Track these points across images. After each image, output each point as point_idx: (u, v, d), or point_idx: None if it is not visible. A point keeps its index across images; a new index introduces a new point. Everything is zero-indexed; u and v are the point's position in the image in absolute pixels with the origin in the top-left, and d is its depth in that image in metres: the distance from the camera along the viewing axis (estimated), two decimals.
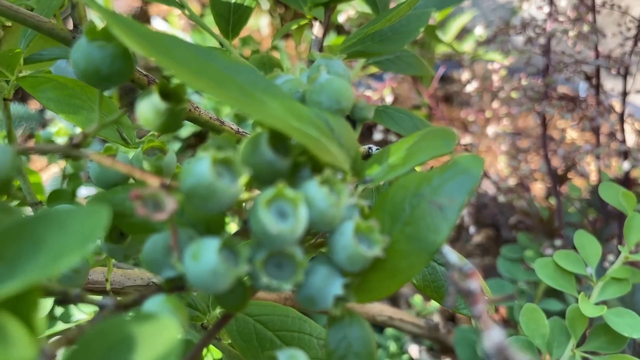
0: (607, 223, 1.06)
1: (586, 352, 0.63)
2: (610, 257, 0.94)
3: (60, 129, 0.93)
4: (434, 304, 1.17)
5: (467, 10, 1.72)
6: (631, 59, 0.96)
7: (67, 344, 0.26)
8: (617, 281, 0.65)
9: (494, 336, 0.21)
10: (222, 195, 0.27)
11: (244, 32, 0.88)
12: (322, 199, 0.28)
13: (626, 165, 0.99)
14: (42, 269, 0.21)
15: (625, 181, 1.00)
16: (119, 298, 0.30)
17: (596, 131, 1.03)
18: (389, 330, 1.16)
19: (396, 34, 0.62)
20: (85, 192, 1.07)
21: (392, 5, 0.65)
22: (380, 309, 0.94)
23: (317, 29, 0.68)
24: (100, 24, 0.32)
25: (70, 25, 0.47)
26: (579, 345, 0.63)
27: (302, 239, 0.30)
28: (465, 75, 1.37)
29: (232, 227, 0.93)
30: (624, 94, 0.99)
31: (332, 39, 1.64)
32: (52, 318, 0.79)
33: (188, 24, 2.04)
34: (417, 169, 0.38)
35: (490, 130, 1.25)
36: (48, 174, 1.43)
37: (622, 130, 1.01)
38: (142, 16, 2.24)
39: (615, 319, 0.61)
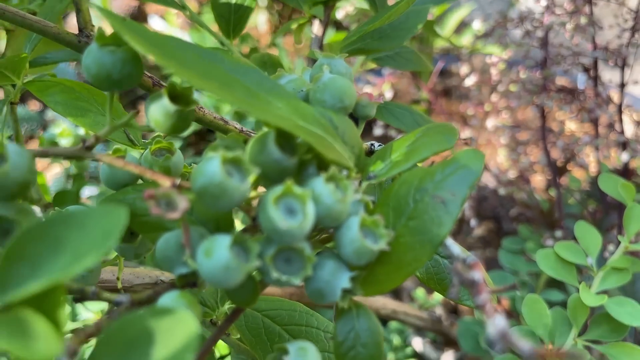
0: (606, 213, 1.07)
1: (588, 341, 0.64)
2: (611, 247, 0.95)
3: (64, 130, 0.94)
4: (436, 297, 1.18)
5: (464, 4, 1.72)
6: (628, 50, 0.97)
7: (87, 339, 0.27)
8: (618, 271, 0.66)
9: (497, 323, 0.22)
10: (233, 194, 0.28)
11: None
12: (328, 196, 0.29)
13: (625, 156, 1.00)
14: (64, 269, 0.22)
15: (625, 172, 1.01)
16: (133, 295, 0.31)
17: (595, 123, 1.04)
18: (393, 324, 1.17)
19: (395, 30, 0.62)
20: (88, 192, 1.08)
21: (389, 1, 0.66)
22: (384, 303, 0.95)
23: (317, 27, 0.69)
24: (108, 28, 0.33)
25: (69, 27, 0.48)
26: (580, 334, 0.64)
27: (310, 235, 0.31)
28: (464, 69, 1.38)
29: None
30: (622, 85, 1.00)
31: (331, 35, 1.65)
32: None
33: (186, 23, 2.04)
34: (419, 164, 0.39)
35: (490, 123, 1.26)
36: (50, 174, 1.44)
37: (621, 121, 1.01)
38: (140, 15, 2.24)
39: (616, 307, 0.62)
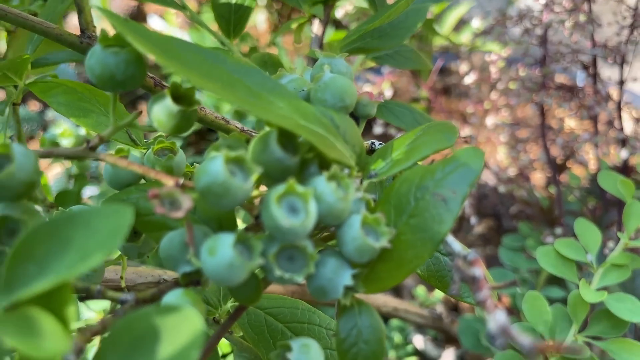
0: (606, 210, 1.07)
1: (588, 337, 0.64)
2: (610, 244, 0.96)
3: (65, 130, 0.95)
4: (437, 295, 1.19)
5: (463, 2, 1.72)
6: (627, 48, 0.97)
7: (93, 337, 0.27)
8: (617, 267, 0.66)
9: (498, 318, 0.22)
10: (236, 192, 0.28)
11: None
12: (330, 194, 0.30)
13: (624, 153, 1.00)
14: (71, 268, 0.23)
15: (624, 169, 1.02)
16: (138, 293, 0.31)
17: (594, 120, 1.04)
18: (394, 322, 1.17)
19: (395, 29, 0.63)
20: (89, 192, 1.08)
21: (389, 0, 0.66)
22: (385, 301, 0.96)
23: (316, 26, 0.69)
24: (109, 28, 0.33)
25: (68, 27, 0.48)
26: (581, 330, 0.65)
27: (312, 233, 0.31)
28: (463, 67, 1.38)
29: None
30: (621, 82, 1.00)
31: (330, 34, 1.65)
32: None
33: (185, 22, 2.04)
34: (420, 162, 0.39)
35: (489, 121, 1.26)
36: (51, 174, 1.45)
37: (620, 118, 1.02)
38: (139, 15, 2.24)
39: (616, 304, 0.62)
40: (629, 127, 1.13)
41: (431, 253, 0.31)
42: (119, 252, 0.44)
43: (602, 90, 1.02)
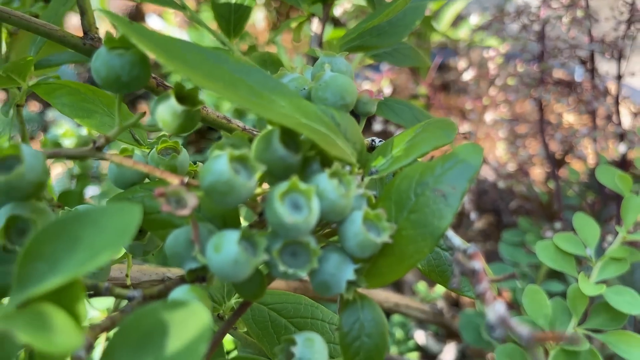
0: (605, 205, 1.08)
1: (588, 330, 0.65)
2: (609, 238, 0.96)
3: (67, 130, 0.95)
4: (437, 291, 1.19)
5: None
6: (624, 42, 0.97)
7: (102, 333, 0.28)
8: (616, 261, 0.67)
9: (497, 309, 0.23)
10: (240, 190, 0.29)
11: None
12: (332, 191, 0.30)
13: (622, 147, 1.01)
14: (81, 265, 0.23)
15: (622, 163, 1.02)
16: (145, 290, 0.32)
17: (592, 115, 1.04)
18: (395, 317, 1.18)
19: (393, 27, 0.63)
20: (90, 192, 1.09)
21: None
22: (386, 296, 0.96)
23: (315, 25, 0.70)
24: (110, 29, 0.34)
25: (67, 27, 0.49)
26: (580, 323, 0.66)
27: (315, 229, 0.32)
28: (461, 63, 1.38)
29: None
30: (619, 77, 1.01)
31: (329, 32, 1.65)
32: None
33: (184, 21, 2.04)
34: (419, 159, 0.40)
35: (488, 117, 1.27)
36: (53, 174, 1.45)
37: (618, 112, 1.02)
38: (138, 14, 2.24)
39: (615, 296, 0.63)
40: (627, 121, 1.14)
41: (432, 248, 0.32)
42: (124, 251, 0.45)
43: (600, 85, 1.03)
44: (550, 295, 0.69)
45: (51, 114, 1.71)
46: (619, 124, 1.02)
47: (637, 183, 0.74)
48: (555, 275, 1.03)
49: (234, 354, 0.76)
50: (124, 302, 0.56)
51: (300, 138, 0.33)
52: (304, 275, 0.31)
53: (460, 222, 1.47)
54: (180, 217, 0.28)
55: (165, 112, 0.31)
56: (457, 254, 0.28)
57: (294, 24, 0.71)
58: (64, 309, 0.24)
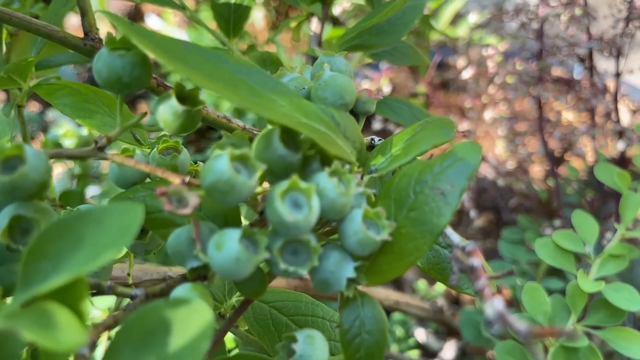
0: (604, 202, 1.08)
1: (587, 326, 0.65)
2: (609, 235, 0.97)
3: (68, 130, 0.95)
4: (438, 289, 1.20)
5: None
6: (623, 40, 0.98)
7: (105, 331, 0.28)
8: (615, 258, 0.67)
9: (495, 305, 0.23)
10: (241, 189, 0.29)
11: None
12: (332, 189, 0.31)
13: (621, 144, 1.01)
14: (85, 264, 0.24)
15: (621, 160, 1.03)
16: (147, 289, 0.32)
17: (591, 112, 1.05)
18: (396, 316, 1.18)
19: (392, 26, 0.64)
20: (91, 191, 1.09)
21: None
22: (386, 294, 0.97)
23: (315, 24, 0.70)
24: (110, 29, 0.34)
25: (66, 28, 0.49)
26: (579, 320, 0.66)
27: (315, 227, 0.32)
28: (460, 61, 1.39)
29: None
30: (617, 74, 1.01)
31: (328, 31, 1.65)
32: None
33: (183, 21, 2.05)
34: (419, 157, 0.40)
35: (488, 115, 1.27)
36: (54, 174, 1.45)
37: (616, 110, 1.03)
38: (137, 14, 2.24)
39: (614, 293, 0.63)
40: (626, 119, 1.14)
41: (431, 245, 0.32)
42: (126, 250, 0.45)
43: (599, 82, 1.03)
44: (550, 292, 0.69)
45: (51, 114, 1.72)
46: (618, 121, 1.02)
47: (635, 180, 0.74)
48: (554, 272, 1.03)
49: (236, 352, 0.77)
50: (125, 302, 0.56)
51: (300, 137, 0.33)
52: (304, 273, 0.31)
53: (460, 220, 1.47)
54: (181, 216, 0.28)
55: (166, 112, 0.32)
56: (455, 251, 0.29)
57: (293, 24, 0.72)
58: (68, 307, 0.24)
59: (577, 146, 1.12)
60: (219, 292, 0.47)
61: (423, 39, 1.31)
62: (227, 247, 0.29)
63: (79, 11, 0.47)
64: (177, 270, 0.60)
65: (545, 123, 1.10)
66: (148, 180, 0.43)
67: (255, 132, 0.49)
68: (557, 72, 1.24)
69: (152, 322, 0.25)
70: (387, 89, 1.48)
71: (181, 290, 0.31)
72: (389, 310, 1.03)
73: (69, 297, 0.24)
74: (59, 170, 1.47)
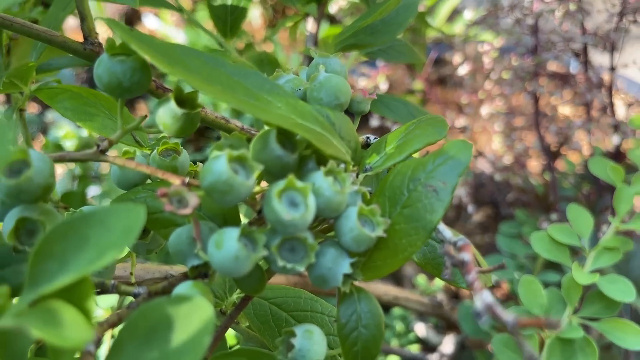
0: (600, 196, 1.09)
1: (582, 318, 0.66)
2: (605, 228, 0.98)
3: (68, 132, 0.96)
4: (437, 284, 1.21)
5: None
6: (617, 35, 0.98)
7: (110, 328, 0.29)
8: (609, 250, 0.68)
9: (484, 298, 0.24)
10: (239, 189, 0.30)
11: None
12: (327, 188, 0.32)
13: (616, 138, 1.02)
14: (90, 264, 0.25)
15: (617, 154, 1.04)
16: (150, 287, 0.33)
17: (586, 106, 1.06)
18: (396, 311, 1.20)
19: (387, 26, 0.64)
20: (91, 192, 1.10)
21: None
22: (386, 290, 0.98)
23: (310, 24, 0.71)
24: (110, 32, 0.35)
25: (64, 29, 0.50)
26: (575, 312, 0.67)
27: (312, 225, 0.33)
28: (456, 58, 1.39)
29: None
30: (612, 69, 1.02)
31: (325, 29, 1.66)
32: None
33: (181, 20, 2.05)
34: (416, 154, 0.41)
35: (484, 110, 1.28)
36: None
37: (611, 104, 1.04)
38: (134, 14, 2.24)
39: (608, 285, 0.64)
40: (622, 112, 1.15)
41: (424, 241, 0.33)
42: (128, 249, 0.46)
43: (594, 77, 1.04)
44: (548, 285, 0.70)
45: (50, 115, 1.73)
46: (613, 115, 1.03)
47: (630, 173, 0.75)
48: (552, 266, 1.04)
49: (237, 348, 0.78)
50: (128, 301, 0.57)
51: (297, 138, 0.34)
52: (302, 269, 0.32)
53: (459, 215, 1.48)
54: (182, 216, 0.29)
55: (166, 115, 0.33)
56: (446, 247, 0.30)
57: (289, 24, 0.72)
58: (74, 305, 0.25)
59: (573, 140, 1.13)
60: (219, 289, 0.48)
61: (419, 36, 1.32)
62: (227, 246, 0.30)
63: (78, 16, 0.48)
64: (178, 269, 0.61)
65: (542, 118, 1.11)
66: (149, 181, 0.44)
67: (253, 132, 0.50)
68: (553, 66, 1.25)
69: (154, 319, 0.26)
70: (384, 86, 1.48)
71: (182, 288, 0.32)
72: (388, 306, 1.04)
73: (75, 295, 0.25)
74: (60, 171, 1.47)
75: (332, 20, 1.60)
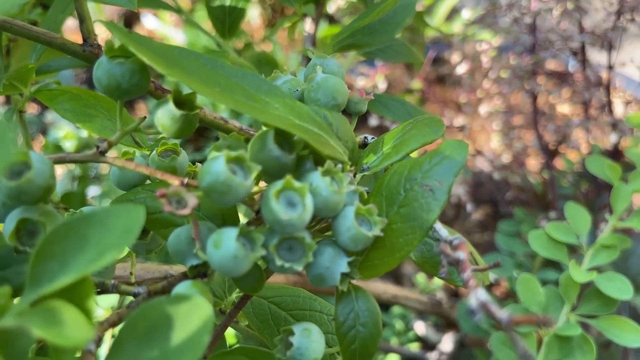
0: (599, 194, 1.10)
1: (580, 316, 0.67)
2: (603, 226, 0.98)
3: (68, 133, 0.97)
4: (437, 282, 1.21)
5: None
6: (614, 33, 0.99)
7: (110, 327, 0.30)
8: (607, 248, 0.69)
9: (479, 295, 0.24)
10: (237, 190, 0.30)
11: None
12: (325, 188, 0.32)
13: (613, 136, 1.02)
14: (90, 264, 0.25)
15: (615, 152, 1.04)
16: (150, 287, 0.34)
17: (584, 105, 1.06)
18: (395, 309, 1.20)
19: (384, 25, 0.65)
20: (91, 192, 1.10)
21: None
22: (385, 288, 0.98)
23: (308, 25, 0.71)
24: (111, 38, 0.35)
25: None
26: (573, 309, 0.67)
27: (309, 225, 0.33)
28: (455, 57, 1.40)
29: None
30: (609, 67, 1.02)
31: (324, 28, 1.66)
32: None
33: (179, 20, 2.05)
34: (415, 153, 0.41)
35: (483, 109, 1.28)
36: None
37: (609, 102, 1.04)
38: (133, 14, 2.24)
39: (605, 283, 0.65)
40: (621, 110, 1.15)
41: (421, 239, 0.33)
42: (128, 250, 0.46)
43: (591, 75, 1.04)
44: (548, 283, 0.71)
45: (50, 115, 1.73)
46: (611, 113, 1.04)
47: (628, 171, 0.75)
48: (551, 264, 1.05)
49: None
50: (128, 300, 0.57)
51: (294, 138, 0.35)
52: (300, 269, 0.32)
53: (458, 214, 1.48)
54: (181, 216, 0.30)
55: (164, 116, 0.33)
56: (442, 245, 0.30)
57: (287, 24, 0.73)
58: (75, 305, 0.25)
59: (571, 139, 1.13)
60: (219, 289, 0.48)
61: (418, 36, 1.32)
62: (225, 245, 0.30)
63: (77, 18, 0.48)
64: (178, 269, 0.61)
65: (540, 116, 1.11)
66: (148, 182, 0.44)
67: (251, 132, 0.51)
68: (551, 65, 1.25)
69: (154, 318, 0.26)
70: (382, 85, 1.49)
71: (182, 287, 0.32)
72: (388, 304, 1.04)
73: (76, 295, 0.25)
74: (60, 172, 1.48)
75: (331, 19, 1.60)
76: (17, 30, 0.46)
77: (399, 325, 1.17)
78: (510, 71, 1.10)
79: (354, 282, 0.36)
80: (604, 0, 0.99)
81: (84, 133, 0.99)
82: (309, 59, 0.47)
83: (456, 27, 1.60)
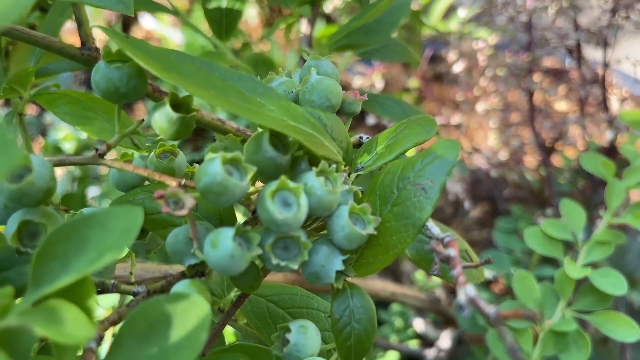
0: (595, 190, 1.10)
1: (576, 311, 0.68)
2: (599, 222, 0.99)
3: (67, 134, 0.97)
4: (435, 280, 1.22)
5: None
6: (610, 31, 0.99)
7: (111, 326, 0.30)
8: (601, 244, 0.69)
9: (467, 291, 0.25)
10: (233, 190, 0.31)
11: None
12: (319, 188, 0.33)
13: (609, 133, 1.03)
14: (90, 264, 0.26)
15: (610, 149, 1.05)
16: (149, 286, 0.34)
17: (580, 102, 1.07)
18: (394, 307, 1.21)
19: (380, 25, 0.66)
20: (91, 193, 1.11)
21: None
22: (383, 286, 0.99)
23: (304, 26, 0.72)
24: (104, 39, 0.36)
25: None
26: (569, 305, 0.68)
27: (305, 224, 0.34)
28: (452, 55, 1.40)
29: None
30: (605, 64, 1.03)
31: (321, 28, 1.66)
32: None
33: (177, 20, 2.05)
34: (412, 151, 0.42)
35: (480, 107, 1.29)
36: None
37: (605, 99, 1.05)
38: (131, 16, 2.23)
39: (600, 278, 0.66)
40: (617, 107, 1.16)
41: (413, 237, 0.34)
42: (128, 250, 0.47)
43: (587, 73, 1.05)
44: (544, 279, 0.71)
45: (49, 117, 1.73)
46: (607, 110, 1.04)
47: (623, 168, 0.76)
48: (548, 260, 1.05)
49: None
50: (128, 299, 0.58)
51: (289, 139, 0.35)
52: (295, 267, 0.33)
53: (456, 212, 1.49)
54: (179, 216, 0.30)
55: (162, 119, 0.34)
56: (432, 243, 0.31)
57: (283, 25, 0.73)
58: (76, 304, 0.26)
59: (568, 136, 1.14)
60: (218, 288, 0.49)
61: (414, 34, 1.33)
62: (222, 245, 0.31)
63: (76, 21, 0.49)
64: (177, 268, 0.62)
65: (537, 114, 1.12)
66: (146, 183, 0.45)
67: (248, 133, 0.51)
68: (548, 63, 1.26)
69: (153, 316, 0.27)
70: (379, 84, 1.49)
71: (180, 286, 0.33)
72: (386, 302, 1.05)
73: (77, 295, 0.26)
74: (60, 173, 1.48)
75: (328, 19, 1.61)
76: (17, 34, 0.46)
77: (398, 322, 1.18)
78: (506, 69, 1.10)
79: (350, 279, 0.37)
80: None
81: (84, 134, 1.00)
82: (305, 61, 0.48)
83: (453, 26, 1.60)
